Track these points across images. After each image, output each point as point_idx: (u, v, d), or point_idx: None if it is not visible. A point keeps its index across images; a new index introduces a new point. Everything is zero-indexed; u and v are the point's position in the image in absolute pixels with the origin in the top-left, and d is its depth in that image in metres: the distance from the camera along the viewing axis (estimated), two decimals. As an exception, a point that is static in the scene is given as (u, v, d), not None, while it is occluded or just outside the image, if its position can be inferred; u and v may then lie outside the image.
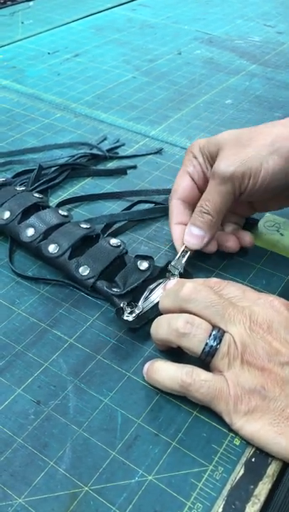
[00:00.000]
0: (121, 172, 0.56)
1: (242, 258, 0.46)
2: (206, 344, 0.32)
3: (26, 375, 0.36)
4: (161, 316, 0.36)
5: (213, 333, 0.33)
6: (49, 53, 0.86)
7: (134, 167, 0.57)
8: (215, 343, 0.32)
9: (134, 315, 0.39)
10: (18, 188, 0.49)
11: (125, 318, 0.39)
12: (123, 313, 0.39)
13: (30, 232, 0.44)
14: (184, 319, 0.33)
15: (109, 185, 0.55)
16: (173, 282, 0.38)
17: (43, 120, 0.66)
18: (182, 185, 0.45)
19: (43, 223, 0.44)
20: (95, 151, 0.59)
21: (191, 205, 0.45)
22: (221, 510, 0.29)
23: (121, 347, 0.38)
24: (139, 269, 0.42)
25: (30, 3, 1.10)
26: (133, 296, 0.40)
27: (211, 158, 0.43)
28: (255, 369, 0.31)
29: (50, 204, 0.50)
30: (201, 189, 0.44)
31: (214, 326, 0.33)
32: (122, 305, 0.39)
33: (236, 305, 0.34)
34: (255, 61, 0.84)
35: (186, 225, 0.44)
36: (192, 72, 0.80)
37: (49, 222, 0.44)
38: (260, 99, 0.72)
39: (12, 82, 0.77)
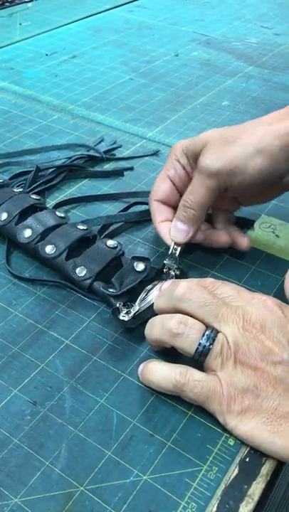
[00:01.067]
0: (118, 173, 0.57)
1: (237, 259, 0.46)
2: (199, 344, 0.33)
3: (23, 376, 0.36)
4: (156, 316, 0.36)
5: (206, 333, 0.33)
6: (47, 55, 0.86)
7: (131, 169, 0.58)
8: (208, 343, 0.33)
9: (130, 315, 0.39)
10: (15, 190, 0.49)
11: (121, 318, 0.39)
12: (119, 313, 0.39)
13: (28, 233, 0.44)
14: (177, 319, 0.34)
15: (106, 186, 0.55)
16: (168, 283, 0.38)
17: (40, 122, 0.67)
18: (162, 188, 0.45)
19: (41, 224, 0.44)
20: (92, 153, 0.59)
21: (171, 206, 0.45)
22: (215, 509, 0.30)
23: (117, 348, 0.38)
24: (135, 270, 0.42)
25: (29, 4, 1.10)
26: (129, 297, 0.41)
27: (196, 158, 0.42)
28: (248, 368, 0.32)
29: (48, 205, 0.51)
30: (181, 192, 0.44)
31: (208, 326, 0.33)
32: (118, 305, 0.40)
33: (230, 305, 0.34)
34: (252, 63, 0.84)
35: (170, 221, 0.44)
36: (189, 74, 0.80)
37: (46, 224, 0.45)
38: (257, 101, 0.73)
39: (10, 83, 0.77)
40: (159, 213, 0.45)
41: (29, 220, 0.45)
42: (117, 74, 0.80)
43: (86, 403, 0.35)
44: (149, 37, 0.94)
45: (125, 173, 0.57)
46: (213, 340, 0.33)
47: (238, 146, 0.40)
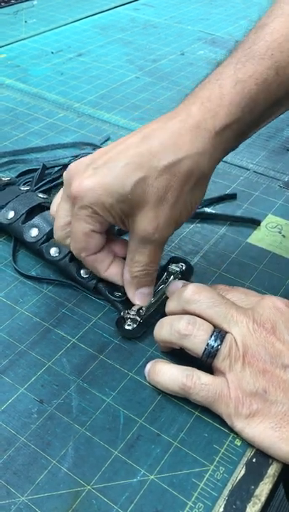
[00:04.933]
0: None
1: (244, 259, 0.46)
2: (207, 344, 0.33)
3: (29, 374, 0.36)
4: (165, 317, 0.36)
5: (214, 333, 0.33)
6: (52, 52, 0.86)
7: (137, 167, 0.58)
8: (216, 344, 0.32)
9: (135, 323, 0.39)
10: (22, 188, 0.49)
11: (126, 327, 0.39)
12: (124, 323, 0.39)
13: (34, 232, 0.44)
14: (186, 320, 0.34)
15: (112, 185, 0.55)
16: (178, 284, 0.38)
17: (46, 119, 0.67)
18: (92, 244, 0.37)
19: (47, 224, 0.44)
20: (98, 151, 0.59)
21: (105, 250, 0.39)
22: (222, 510, 0.30)
23: (123, 347, 0.38)
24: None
25: (34, 2, 1.10)
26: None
27: (126, 217, 0.36)
28: (257, 371, 0.31)
29: (54, 204, 0.51)
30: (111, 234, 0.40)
31: (216, 327, 0.33)
32: (122, 314, 0.39)
33: (239, 306, 0.34)
34: (258, 62, 0.84)
35: (113, 259, 0.40)
36: (195, 73, 0.80)
37: (53, 223, 0.44)
38: (263, 101, 0.72)
39: (15, 81, 0.77)
40: (101, 263, 0.39)
41: (36, 219, 0.45)
42: (122, 72, 0.80)
43: (93, 402, 0.35)
44: (154, 35, 0.94)
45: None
46: (222, 340, 0.33)
47: (171, 207, 0.35)
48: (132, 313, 0.39)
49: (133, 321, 0.39)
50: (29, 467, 0.31)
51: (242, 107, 0.35)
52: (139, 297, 0.39)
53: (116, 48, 0.88)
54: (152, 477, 0.31)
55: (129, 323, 0.39)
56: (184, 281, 0.40)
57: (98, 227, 0.36)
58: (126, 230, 0.38)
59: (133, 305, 0.40)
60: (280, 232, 0.49)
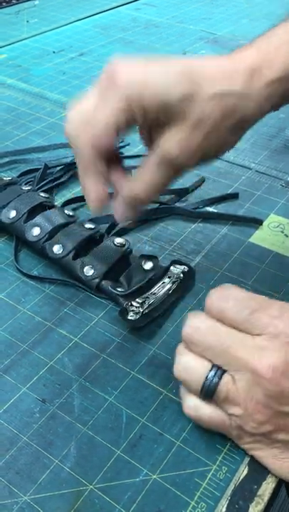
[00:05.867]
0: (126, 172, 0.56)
1: (246, 259, 0.46)
2: (203, 386, 0.30)
3: (32, 374, 0.36)
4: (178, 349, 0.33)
5: (210, 374, 0.30)
6: (54, 52, 0.86)
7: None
8: (212, 384, 0.30)
9: (138, 315, 0.39)
10: (23, 188, 0.49)
11: (129, 318, 0.39)
12: (127, 314, 0.39)
13: (36, 231, 0.44)
14: (178, 365, 0.32)
15: (114, 184, 0.55)
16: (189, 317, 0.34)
17: (48, 119, 0.67)
18: (106, 140, 0.33)
19: (49, 223, 0.44)
20: (100, 151, 0.59)
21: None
22: (224, 509, 0.29)
23: (125, 346, 0.38)
24: (143, 268, 0.42)
25: (36, 1, 1.10)
26: (138, 295, 0.41)
27: (156, 127, 0.33)
28: (259, 416, 0.29)
29: (56, 203, 0.51)
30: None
31: (213, 366, 0.30)
32: (125, 305, 0.40)
33: (240, 341, 0.30)
34: (260, 61, 0.84)
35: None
36: (197, 72, 0.80)
37: (55, 222, 0.45)
38: (265, 100, 0.72)
39: (17, 80, 0.77)
40: (96, 168, 0.34)
41: (38, 219, 0.45)
42: (124, 72, 0.80)
43: (95, 401, 0.35)
44: (156, 35, 0.94)
45: (133, 171, 0.57)
46: (217, 382, 0.30)
47: (205, 135, 0.32)
48: (136, 305, 0.39)
49: (136, 312, 0.39)
50: (31, 467, 0.31)
51: None
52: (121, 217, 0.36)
53: (117, 48, 0.88)
54: (155, 477, 0.31)
55: (132, 314, 0.39)
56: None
57: (123, 124, 0.32)
58: (144, 144, 0.36)
59: (135, 299, 0.40)
60: (282, 232, 0.49)
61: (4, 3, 1.09)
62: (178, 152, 0.32)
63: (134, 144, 0.62)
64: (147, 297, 0.40)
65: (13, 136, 0.63)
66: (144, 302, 0.40)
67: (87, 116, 0.33)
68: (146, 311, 0.39)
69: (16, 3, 1.10)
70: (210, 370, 0.30)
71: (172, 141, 0.32)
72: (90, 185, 0.35)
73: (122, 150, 0.61)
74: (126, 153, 0.60)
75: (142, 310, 0.39)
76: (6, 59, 0.84)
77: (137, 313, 0.39)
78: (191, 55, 0.86)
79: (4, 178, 0.51)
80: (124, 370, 0.37)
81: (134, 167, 0.57)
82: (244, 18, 1.02)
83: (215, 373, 0.30)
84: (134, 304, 0.40)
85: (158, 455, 0.32)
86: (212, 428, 0.32)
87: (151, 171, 0.34)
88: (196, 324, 0.31)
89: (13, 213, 0.46)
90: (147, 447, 0.32)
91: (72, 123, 0.35)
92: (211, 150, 0.34)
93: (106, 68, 0.33)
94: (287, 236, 0.48)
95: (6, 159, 0.57)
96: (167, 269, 0.43)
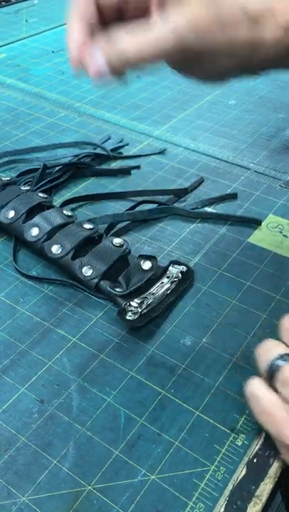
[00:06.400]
0: (125, 172, 0.57)
1: (245, 259, 0.46)
2: None
3: (30, 374, 0.36)
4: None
5: None
6: (53, 52, 0.86)
7: (138, 167, 0.58)
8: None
9: (137, 315, 0.39)
10: (22, 188, 0.49)
11: (128, 318, 0.39)
12: (126, 314, 0.39)
13: (35, 231, 0.44)
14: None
15: (112, 185, 0.55)
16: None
17: (47, 119, 0.67)
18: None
19: (48, 223, 0.44)
20: (99, 151, 0.59)
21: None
22: (222, 510, 0.30)
23: (124, 346, 0.38)
24: (142, 268, 0.42)
25: (35, 1, 1.10)
26: (136, 295, 0.41)
27: None
28: None
29: (54, 203, 0.51)
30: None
31: None
32: (123, 305, 0.40)
33: None
34: (259, 61, 0.84)
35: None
36: (196, 72, 0.80)
37: (53, 222, 0.45)
38: (264, 100, 0.72)
39: (16, 80, 0.77)
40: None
41: (36, 219, 0.45)
42: (123, 72, 0.80)
43: (93, 401, 0.35)
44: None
45: (132, 171, 0.57)
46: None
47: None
48: (134, 305, 0.39)
49: (134, 312, 0.39)
50: (30, 467, 0.31)
51: None
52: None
53: (117, 48, 0.88)
54: (153, 477, 0.31)
55: (130, 314, 0.39)
56: None
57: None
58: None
59: (134, 299, 0.40)
60: (281, 232, 0.49)
61: (3, 3, 1.09)
62: (193, 29, 0.28)
63: (133, 144, 0.62)
64: (146, 297, 0.40)
65: (12, 136, 0.63)
66: (142, 302, 0.40)
67: None
68: (145, 311, 0.39)
69: (15, 3, 1.10)
70: None
71: (196, 14, 0.28)
72: (73, 30, 0.31)
73: (121, 150, 0.61)
74: (125, 154, 0.60)
75: (140, 310, 0.39)
76: (4, 58, 0.84)
77: (135, 314, 0.39)
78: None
79: (3, 178, 0.51)
80: (123, 370, 0.37)
81: (134, 167, 0.57)
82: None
83: None
84: (132, 304, 0.40)
85: (156, 455, 0.32)
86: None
87: (152, 35, 0.29)
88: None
89: (11, 213, 0.46)
90: (146, 448, 0.32)
91: None
92: (222, 56, 0.29)
93: None
94: (285, 236, 0.48)
95: (5, 159, 0.57)
96: (166, 269, 0.43)
